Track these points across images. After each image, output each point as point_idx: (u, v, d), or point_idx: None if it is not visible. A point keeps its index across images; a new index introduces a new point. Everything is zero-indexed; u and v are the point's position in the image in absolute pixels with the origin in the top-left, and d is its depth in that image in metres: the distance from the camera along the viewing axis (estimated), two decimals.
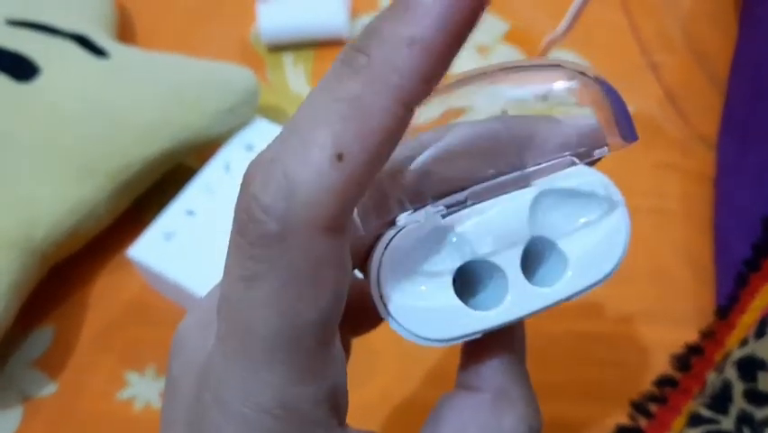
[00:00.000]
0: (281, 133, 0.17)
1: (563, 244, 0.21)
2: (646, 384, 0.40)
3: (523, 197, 0.20)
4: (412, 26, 0.15)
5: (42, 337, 0.45)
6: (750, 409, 0.35)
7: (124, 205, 0.47)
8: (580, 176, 0.21)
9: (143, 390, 0.43)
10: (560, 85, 0.20)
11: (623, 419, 0.39)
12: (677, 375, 0.40)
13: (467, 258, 0.20)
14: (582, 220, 0.21)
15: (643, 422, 0.39)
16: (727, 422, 0.35)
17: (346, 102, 0.16)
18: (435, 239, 0.20)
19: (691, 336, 0.41)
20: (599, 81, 0.20)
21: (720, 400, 0.36)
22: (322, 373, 0.18)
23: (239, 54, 0.58)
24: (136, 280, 0.47)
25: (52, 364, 0.44)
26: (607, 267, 0.21)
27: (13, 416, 0.42)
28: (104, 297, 0.47)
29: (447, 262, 0.20)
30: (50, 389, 0.43)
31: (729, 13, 0.57)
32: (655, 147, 0.52)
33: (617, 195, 0.21)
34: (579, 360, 0.43)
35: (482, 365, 0.22)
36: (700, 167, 0.50)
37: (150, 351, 0.44)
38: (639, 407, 0.40)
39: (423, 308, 0.20)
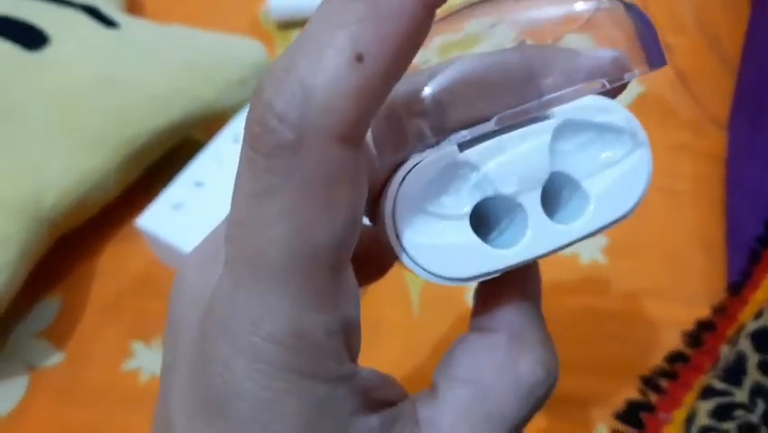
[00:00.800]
0: (295, 40, 0.16)
1: (584, 180, 0.20)
2: (657, 361, 0.40)
3: (543, 129, 0.20)
4: None
5: (49, 308, 0.45)
6: (764, 380, 0.34)
7: (133, 176, 0.47)
8: (601, 109, 0.20)
9: (150, 361, 0.43)
10: (582, 6, 0.19)
11: (634, 395, 0.39)
12: (688, 351, 0.40)
13: (485, 194, 0.19)
14: (604, 155, 0.20)
15: (653, 397, 0.39)
16: (741, 394, 0.35)
17: (364, 2, 0.15)
18: (452, 174, 0.19)
19: (702, 313, 0.41)
20: (624, 2, 0.20)
21: (734, 373, 0.35)
22: (335, 301, 0.17)
23: (248, 31, 0.58)
24: (143, 252, 0.46)
25: (59, 335, 0.44)
26: (629, 203, 0.20)
27: (19, 385, 0.42)
28: (111, 268, 0.46)
29: (465, 198, 0.19)
30: (55, 359, 0.43)
31: None
32: (667, 128, 0.51)
33: (639, 129, 0.20)
34: (590, 336, 0.43)
35: (497, 308, 0.21)
36: (712, 148, 0.50)
37: (156, 322, 0.44)
38: (650, 382, 0.39)
39: (439, 246, 0.19)
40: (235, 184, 0.17)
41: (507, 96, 0.19)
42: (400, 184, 0.19)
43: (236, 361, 0.17)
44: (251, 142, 0.16)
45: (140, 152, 0.45)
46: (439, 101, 0.18)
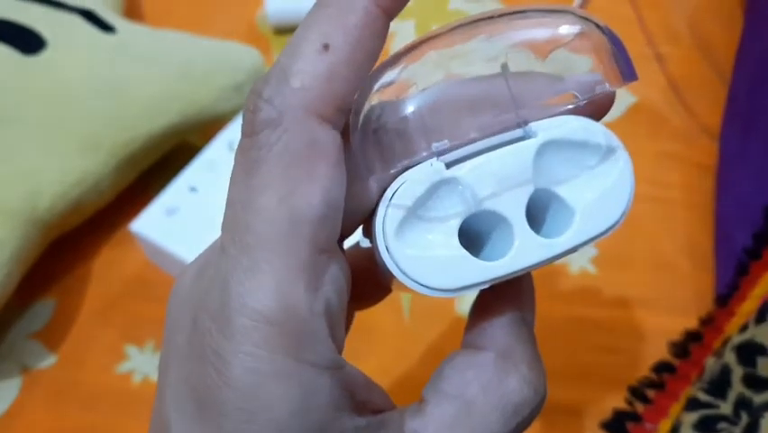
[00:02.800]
0: None
1: (568, 196, 0.21)
2: (645, 371, 0.41)
3: (526, 147, 0.20)
4: None
5: (43, 310, 0.45)
6: (749, 394, 0.35)
7: (128, 180, 0.47)
8: (582, 128, 0.21)
9: (142, 364, 0.43)
10: (564, 30, 0.21)
11: (621, 404, 0.40)
12: (675, 362, 0.40)
13: (472, 209, 0.20)
14: (586, 171, 0.21)
15: (640, 408, 0.39)
16: (726, 407, 0.35)
17: (332, 6, 0.19)
18: (440, 190, 0.20)
19: (690, 324, 0.41)
20: (600, 25, 0.21)
21: (719, 385, 0.36)
22: (318, 281, 0.19)
23: (245, 36, 0.58)
24: (138, 256, 0.47)
25: (52, 337, 0.44)
26: (613, 216, 0.21)
27: (12, 386, 0.43)
28: (105, 271, 0.47)
29: (452, 213, 0.20)
30: (49, 361, 0.43)
31: (734, 5, 0.57)
32: (659, 137, 0.52)
33: (618, 145, 0.21)
34: (578, 345, 0.43)
35: (487, 324, 0.22)
36: (703, 157, 0.50)
37: (150, 326, 0.44)
38: (637, 392, 0.40)
39: (429, 258, 0.20)
40: (231, 176, 0.19)
41: (489, 116, 0.20)
42: (390, 199, 0.20)
43: (226, 347, 0.18)
44: (243, 128, 0.19)
45: (135, 155, 0.46)
46: (423, 119, 0.20)
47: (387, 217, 0.20)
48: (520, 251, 0.20)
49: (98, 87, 0.45)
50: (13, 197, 0.42)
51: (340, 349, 0.20)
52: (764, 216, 0.42)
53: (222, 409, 0.18)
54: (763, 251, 0.41)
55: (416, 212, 0.20)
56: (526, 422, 0.22)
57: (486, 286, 0.21)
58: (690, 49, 0.56)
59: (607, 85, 0.20)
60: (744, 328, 0.37)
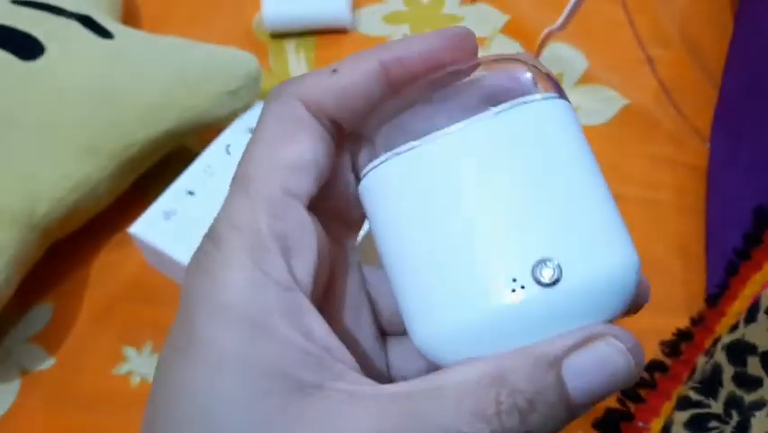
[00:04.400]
0: None
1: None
2: None
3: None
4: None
5: (42, 313, 0.46)
6: (739, 393, 0.35)
7: (126, 184, 0.48)
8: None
9: (140, 365, 0.44)
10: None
11: (612, 402, 0.40)
12: (667, 360, 0.40)
13: None
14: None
15: (632, 406, 0.40)
16: (716, 406, 0.36)
17: (354, 57, 0.24)
18: None
19: (681, 324, 0.42)
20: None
21: (709, 384, 0.36)
22: (278, 211, 0.22)
23: (242, 40, 0.59)
24: (136, 259, 0.47)
25: (51, 340, 0.45)
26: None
27: (11, 389, 0.43)
28: (104, 274, 0.47)
29: None
30: (48, 363, 0.44)
31: (724, 9, 0.58)
32: (650, 139, 0.52)
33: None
34: None
35: None
36: (694, 159, 0.51)
37: (148, 328, 0.45)
38: (628, 391, 0.40)
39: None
40: None
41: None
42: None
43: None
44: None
45: (133, 160, 0.46)
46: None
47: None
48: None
49: (96, 92, 0.45)
50: (12, 202, 0.42)
51: (304, 288, 0.22)
52: (754, 217, 0.42)
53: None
54: (753, 251, 0.41)
55: None
56: None
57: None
58: (680, 52, 0.57)
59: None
60: (734, 328, 0.37)
